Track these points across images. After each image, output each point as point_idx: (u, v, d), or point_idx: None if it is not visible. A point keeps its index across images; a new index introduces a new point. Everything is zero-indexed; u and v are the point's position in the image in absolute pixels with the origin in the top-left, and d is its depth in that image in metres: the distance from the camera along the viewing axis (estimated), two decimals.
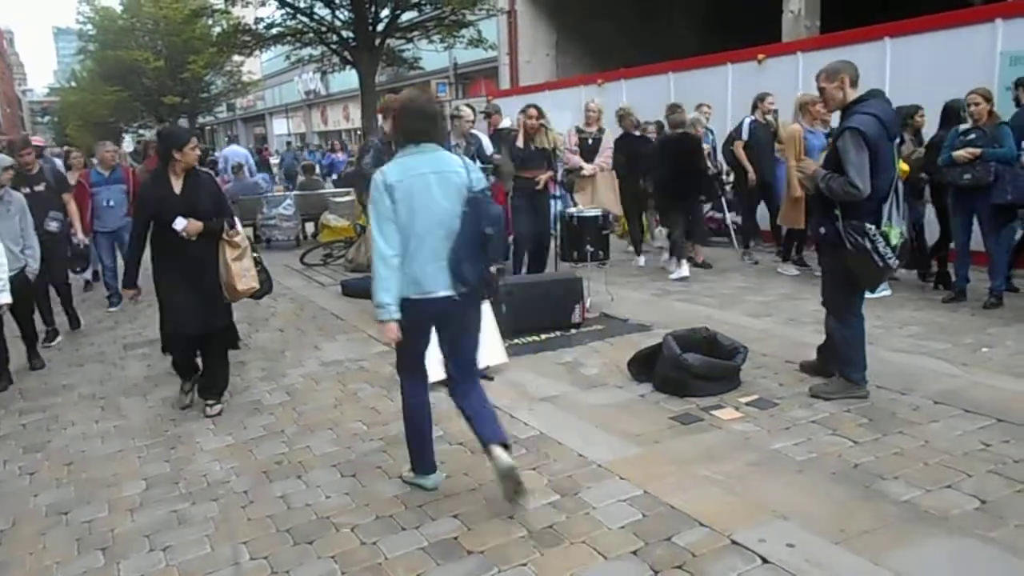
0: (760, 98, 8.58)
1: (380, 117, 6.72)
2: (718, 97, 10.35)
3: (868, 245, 4.10)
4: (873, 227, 4.11)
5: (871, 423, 4.08)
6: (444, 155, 3.39)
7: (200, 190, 4.67)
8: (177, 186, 4.63)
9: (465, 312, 3.43)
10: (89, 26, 35.47)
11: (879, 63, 8.58)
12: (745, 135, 8.63)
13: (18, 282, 5.49)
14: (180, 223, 4.50)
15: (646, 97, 11.55)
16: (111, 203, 7.87)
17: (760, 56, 10.39)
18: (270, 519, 3.44)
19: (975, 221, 6.34)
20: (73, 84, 47.45)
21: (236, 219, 4.98)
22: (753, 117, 8.60)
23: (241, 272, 4.71)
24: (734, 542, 3.01)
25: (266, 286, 5.10)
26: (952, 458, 3.62)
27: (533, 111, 7.24)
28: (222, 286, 4.72)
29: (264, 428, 4.58)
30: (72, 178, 8.24)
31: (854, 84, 4.27)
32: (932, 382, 4.64)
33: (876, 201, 4.14)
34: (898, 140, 4.36)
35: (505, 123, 9.68)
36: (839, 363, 4.52)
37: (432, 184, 3.26)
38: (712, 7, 20.30)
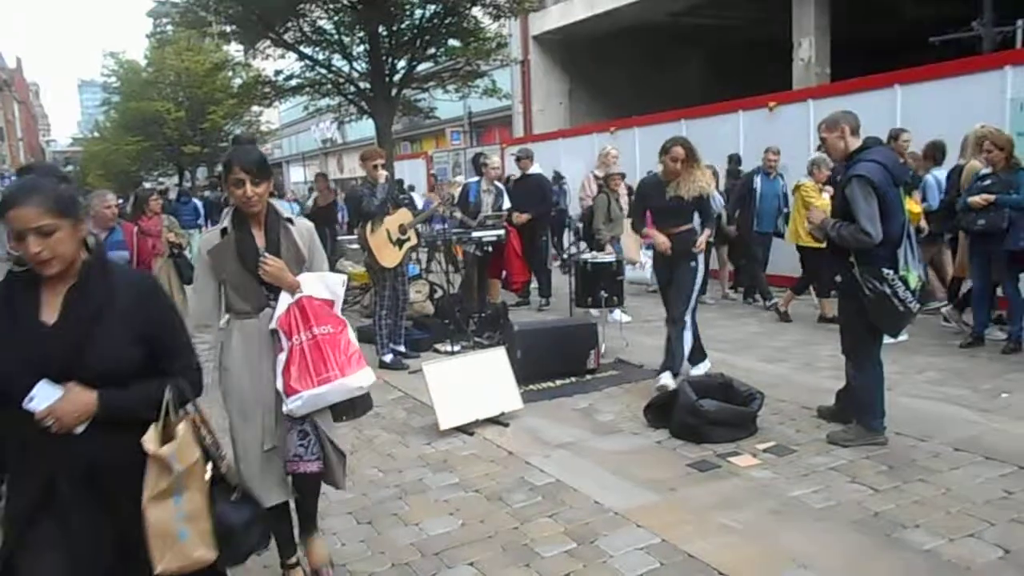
0: (894, 135, 7.40)
1: (361, 162, 6.91)
2: (730, 144, 10.46)
3: (888, 290, 4.12)
4: (891, 272, 4.14)
5: (891, 470, 4.04)
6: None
7: (97, 308, 2.07)
8: (52, 302, 2.08)
9: None
10: (113, 79, 36.43)
11: (890, 110, 8.67)
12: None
13: None
14: (42, 397, 1.98)
15: (659, 145, 11.68)
16: None
17: (771, 104, 10.52)
18: None
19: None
20: (95, 134, 48.57)
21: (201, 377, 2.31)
22: None
23: (164, 526, 2.08)
24: None
25: (233, 548, 2.26)
26: (974, 506, 3.57)
27: (679, 151, 5.41)
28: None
29: None
30: None
31: (855, 133, 4.38)
32: (951, 428, 4.59)
33: (891, 246, 4.17)
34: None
35: (535, 169, 9.80)
36: (858, 409, 4.49)
37: None
38: (723, 57, 20.63)
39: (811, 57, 15.56)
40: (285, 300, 2.93)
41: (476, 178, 8.90)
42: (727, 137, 10.70)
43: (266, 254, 2.91)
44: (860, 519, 3.52)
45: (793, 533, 3.43)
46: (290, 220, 3.03)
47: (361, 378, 2.96)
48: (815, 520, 3.56)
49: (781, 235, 8.62)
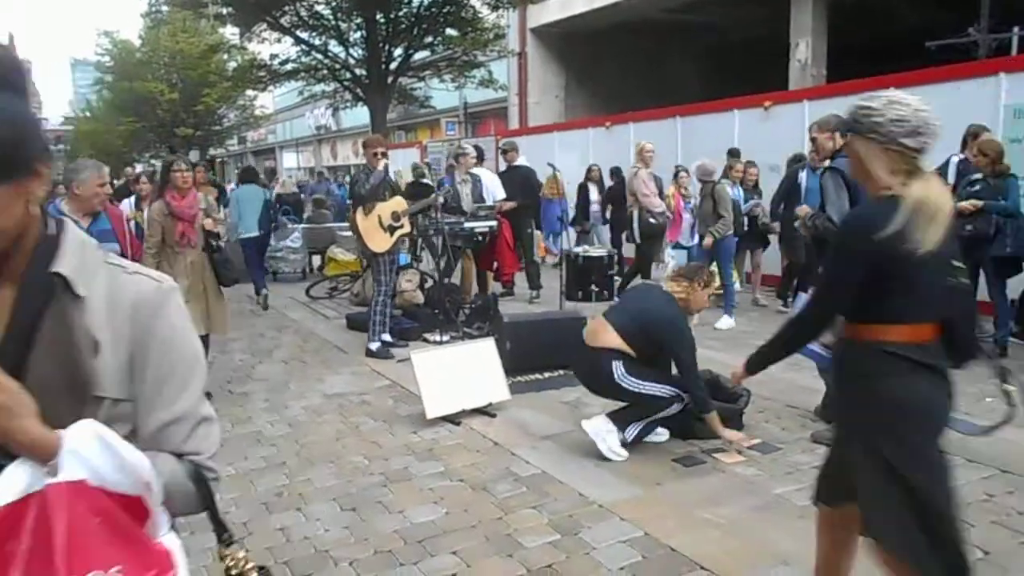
0: (973, 133, 6.61)
1: (363, 149, 7.08)
2: (724, 142, 10.47)
3: None
4: None
5: None
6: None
7: None
8: None
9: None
10: (107, 58, 36.09)
11: None
12: (952, 177, 6.58)
13: None
14: None
15: (653, 140, 11.70)
16: None
17: (767, 103, 10.53)
18: (268, 551, 3.42)
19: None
20: (87, 114, 48.12)
21: None
22: (963, 155, 6.64)
23: None
24: None
25: None
26: None
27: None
28: None
29: (265, 459, 4.58)
30: None
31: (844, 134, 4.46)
32: None
33: None
34: None
35: (521, 160, 9.82)
36: None
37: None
38: (720, 55, 20.63)
39: (808, 59, 15.58)
40: (16, 483, 1.05)
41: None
42: (722, 135, 10.71)
43: None
44: None
45: (775, 530, 3.45)
46: (62, 276, 1.14)
47: None
48: (798, 518, 3.57)
49: None
